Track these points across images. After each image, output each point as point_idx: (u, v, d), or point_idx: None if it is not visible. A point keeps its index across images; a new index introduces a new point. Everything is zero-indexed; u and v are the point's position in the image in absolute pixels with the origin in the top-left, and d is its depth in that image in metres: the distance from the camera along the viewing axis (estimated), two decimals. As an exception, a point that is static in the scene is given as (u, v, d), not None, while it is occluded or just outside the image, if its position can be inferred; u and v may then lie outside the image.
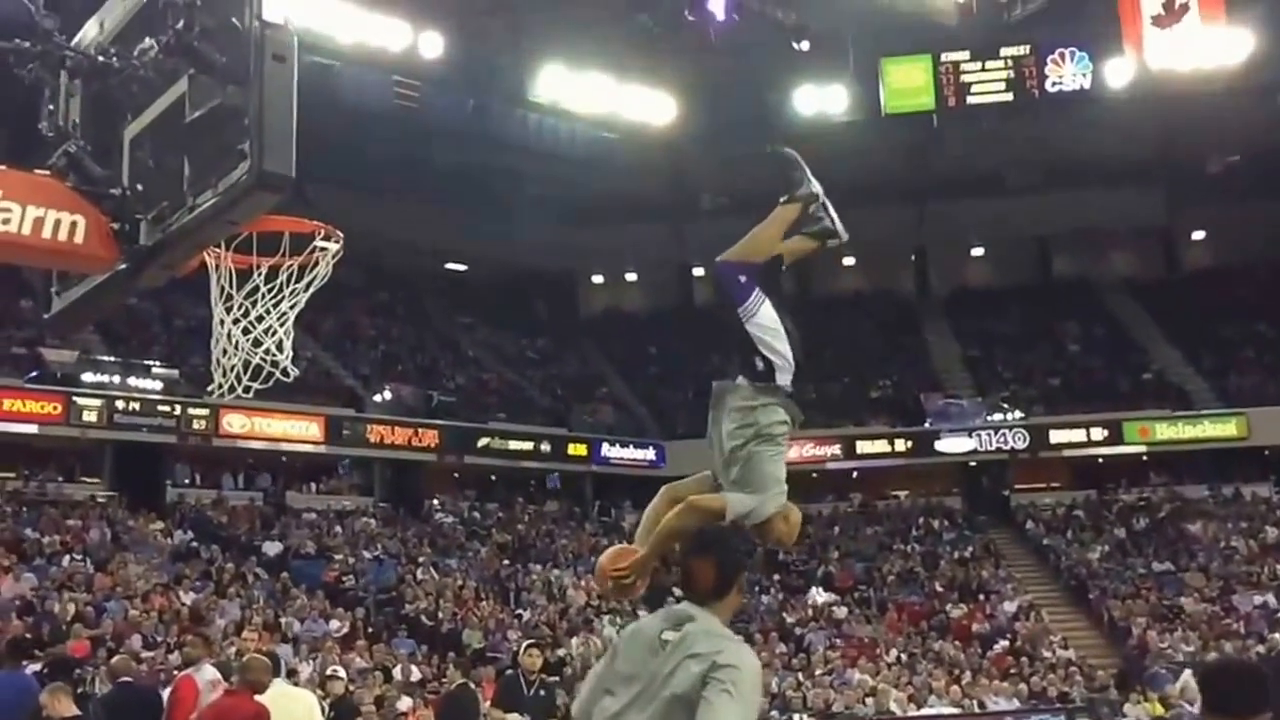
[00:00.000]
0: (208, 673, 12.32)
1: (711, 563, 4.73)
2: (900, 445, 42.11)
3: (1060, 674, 28.71)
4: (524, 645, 13.92)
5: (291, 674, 20.65)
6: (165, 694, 12.58)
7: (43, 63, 6.83)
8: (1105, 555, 37.50)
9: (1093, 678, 28.81)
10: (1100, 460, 41.80)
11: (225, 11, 6.19)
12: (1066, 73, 40.07)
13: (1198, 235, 50.08)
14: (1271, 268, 44.23)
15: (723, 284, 6.29)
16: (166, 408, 33.06)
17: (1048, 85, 40.25)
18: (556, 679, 25.52)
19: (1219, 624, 31.75)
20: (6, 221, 6.44)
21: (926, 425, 41.90)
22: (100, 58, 6.88)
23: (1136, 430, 40.74)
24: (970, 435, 41.20)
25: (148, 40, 6.65)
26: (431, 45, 36.82)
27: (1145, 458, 41.76)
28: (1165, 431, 40.61)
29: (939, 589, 36.27)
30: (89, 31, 7.09)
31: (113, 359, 33.72)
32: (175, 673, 13.88)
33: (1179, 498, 40.28)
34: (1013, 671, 29.23)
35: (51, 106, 6.94)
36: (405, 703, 21.60)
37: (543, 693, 13.02)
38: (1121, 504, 40.64)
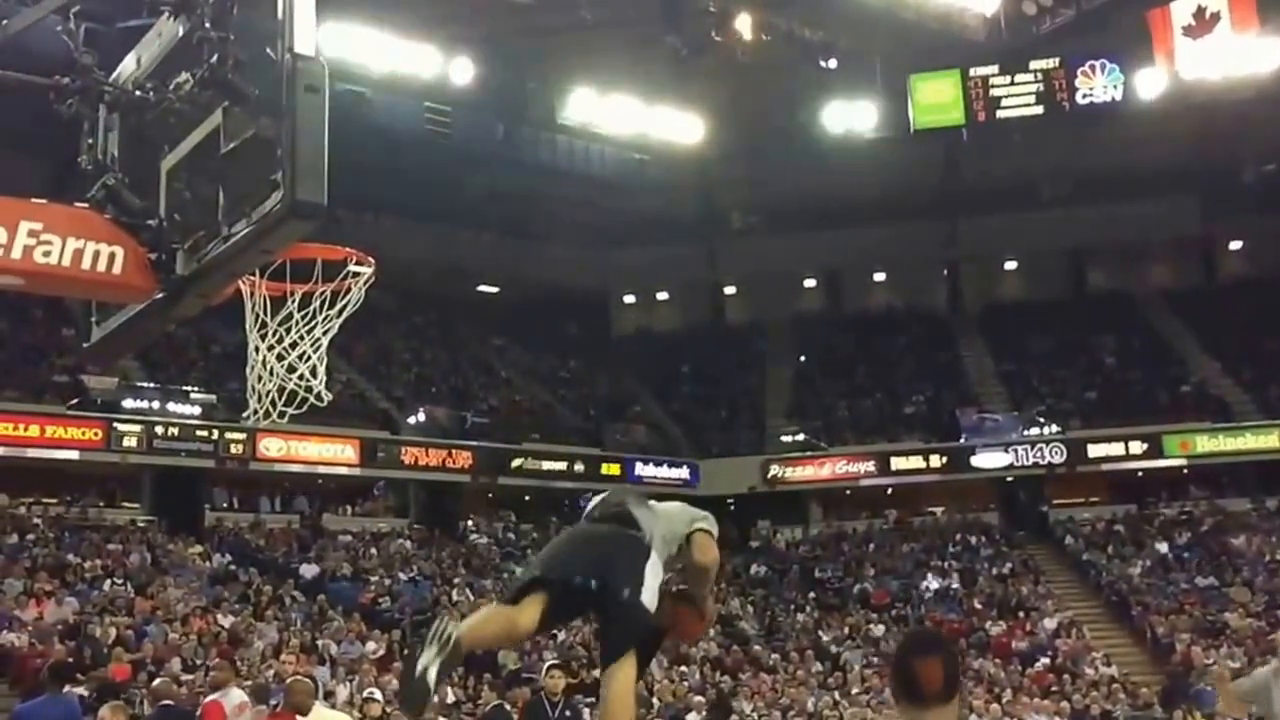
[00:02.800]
0: (235, 697, 12.43)
1: (938, 662, 4.39)
2: (935, 461, 41.93)
3: (1103, 692, 28.55)
4: (546, 667, 13.75)
5: (329, 696, 20.77)
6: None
7: (82, 98, 6.95)
8: (1147, 570, 37.24)
9: (1136, 695, 28.56)
10: (1140, 474, 41.47)
11: (258, 45, 6.29)
12: (1097, 84, 39.88)
13: (1234, 245, 49.75)
14: (1311, 277, 43.99)
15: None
16: (204, 433, 33.30)
17: (1078, 97, 40.05)
18: (593, 700, 25.58)
19: (1265, 639, 31.25)
20: (47, 254, 6.55)
21: (962, 441, 41.74)
22: (138, 92, 7.00)
23: (1177, 443, 40.39)
24: (1006, 450, 41.01)
25: (183, 74, 6.76)
26: (462, 71, 36.99)
27: (1186, 471, 41.35)
28: (1206, 444, 40.27)
29: (977, 606, 36.13)
30: (126, 66, 7.21)
31: (152, 385, 33.99)
32: (215, 695, 13.96)
33: (1221, 511, 39.94)
34: (1054, 689, 29.10)
35: (90, 140, 7.06)
36: (443, 724, 21.64)
37: (568, 713, 12.95)
38: (1163, 518, 40.32)
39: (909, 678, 4.35)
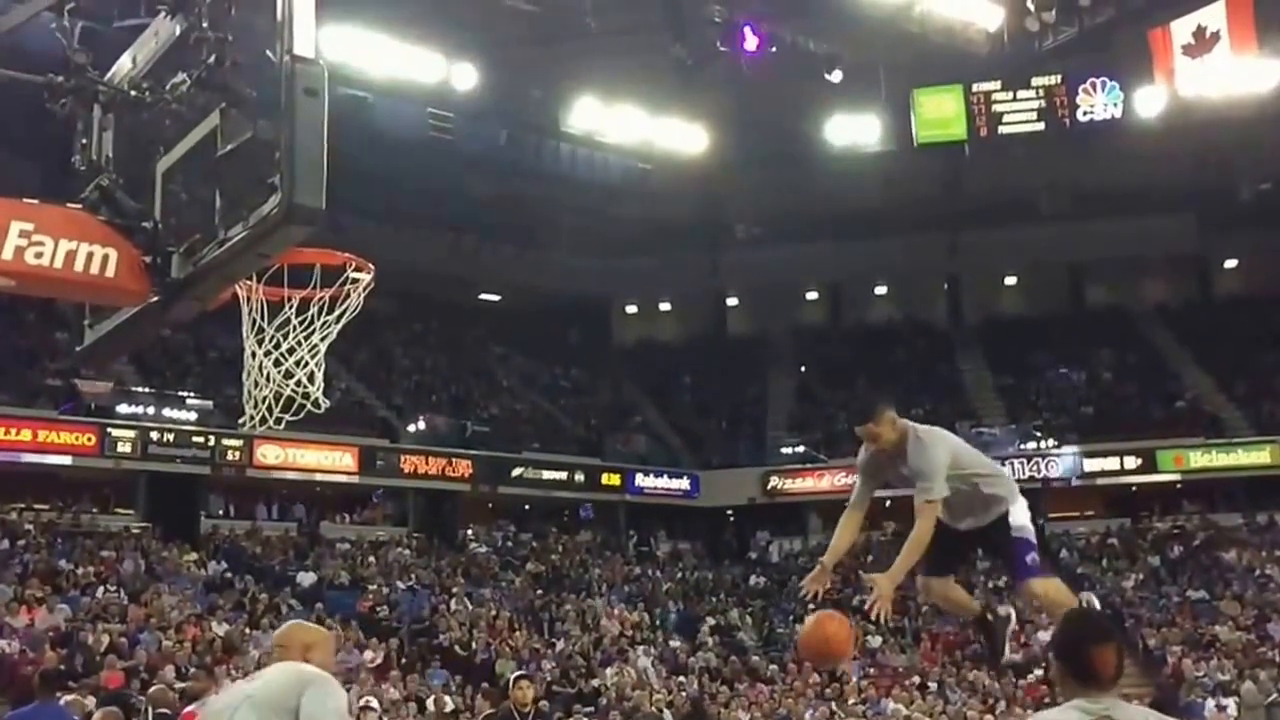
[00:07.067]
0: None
1: (1114, 649, 4.44)
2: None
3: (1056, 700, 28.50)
4: (514, 678, 13.48)
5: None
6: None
7: (76, 97, 6.90)
8: (1139, 584, 37.30)
9: (1128, 707, 28.60)
10: (1134, 488, 41.55)
11: (257, 46, 6.25)
12: (1097, 102, 40.00)
13: (1230, 263, 49.82)
14: (1305, 295, 44.05)
15: None
16: (200, 439, 33.18)
17: (1079, 115, 40.17)
18: (591, 709, 25.53)
19: (1254, 652, 31.48)
20: (39, 255, 6.49)
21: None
22: (133, 92, 6.95)
23: (1170, 458, 40.46)
24: (1003, 464, 40.93)
25: (180, 74, 6.72)
26: (465, 77, 36.92)
27: (1179, 486, 41.44)
28: (1199, 459, 40.34)
29: (973, 618, 36.09)
30: (122, 66, 7.16)
31: (147, 390, 33.87)
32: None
33: (1213, 526, 39.97)
34: (1047, 701, 28.90)
35: (84, 140, 7.00)
36: (438, 733, 21.58)
37: None
38: (1155, 532, 40.37)
39: (1086, 665, 4.39)
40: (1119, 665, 4.39)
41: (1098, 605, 7.90)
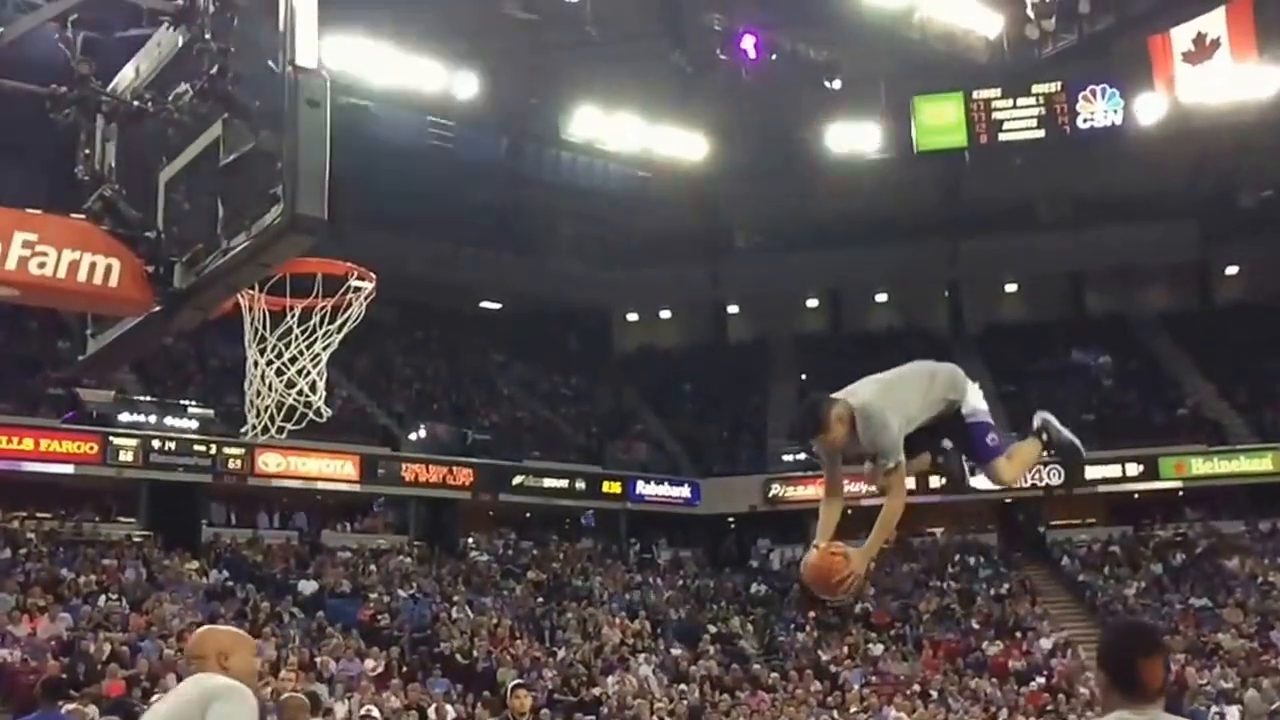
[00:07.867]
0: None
1: (1162, 659, 4.39)
2: (934, 481, 41.73)
3: (1097, 711, 28.43)
4: (511, 686, 13.35)
5: (327, 714, 20.66)
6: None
7: (79, 107, 6.89)
8: (1142, 591, 37.26)
9: (1130, 715, 28.54)
10: (1136, 496, 41.48)
11: (259, 57, 6.26)
12: (1097, 109, 40.07)
13: (1231, 270, 49.85)
14: (1306, 301, 44.06)
15: None
16: (202, 447, 33.14)
17: (1079, 122, 40.24)
18: (592, 717, 25.49)
19: (1257, 660, 31.45)
20: (42, 265, 6.49)
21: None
22: (136, 102, 6.95)
23: (1172, 466, 40.42)
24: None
25: (183, 85, 6.72)
26: (466, 86, 36.99)
27: (1181, 493, 41.37)
28: (1201, 467, 40.31)
29: (975, 626, 36.10)
30: (125, 76, 7.16)
31: (149, 399, 33.86)
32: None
33: (1215, 533, 39.94)
34: (1049, 709, 29.06)
35: (87, 151, 6.98)
36: (440, 742, 21.55)
37: None
38: (1158, 540, 40.31)
39: (1133, 676, 4.29)
40: (1165, 677, 4.32)
41: (1056, 423, 8.31)
